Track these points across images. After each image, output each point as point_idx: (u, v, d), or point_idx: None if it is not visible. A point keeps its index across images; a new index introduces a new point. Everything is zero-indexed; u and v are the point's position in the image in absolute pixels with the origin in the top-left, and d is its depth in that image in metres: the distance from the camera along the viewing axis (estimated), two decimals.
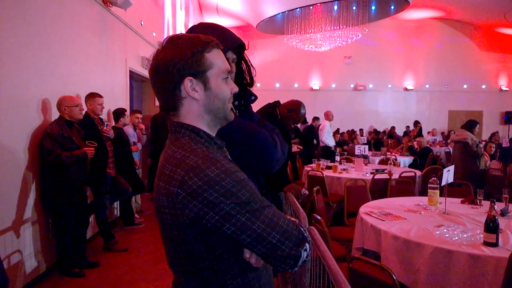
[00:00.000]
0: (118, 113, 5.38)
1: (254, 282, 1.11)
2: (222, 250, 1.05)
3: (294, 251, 1.01)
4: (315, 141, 9.58)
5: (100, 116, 4.53)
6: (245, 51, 1.67)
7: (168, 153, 1.08)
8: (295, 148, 7.98)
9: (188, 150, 1.04)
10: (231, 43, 1.58)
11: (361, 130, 15.32)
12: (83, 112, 4.10)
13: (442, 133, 15.10)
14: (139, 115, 5.81)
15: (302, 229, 1.05)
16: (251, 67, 1.72)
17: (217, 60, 1.10)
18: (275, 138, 1.64)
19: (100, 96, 4.41)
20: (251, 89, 1.80)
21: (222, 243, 1.04)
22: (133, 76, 6.89)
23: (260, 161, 1.55)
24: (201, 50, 1.07)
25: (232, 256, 1.06)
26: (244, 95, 1.74)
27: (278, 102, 3.48)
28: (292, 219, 1.08)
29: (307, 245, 1.03)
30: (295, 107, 3.46)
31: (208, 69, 1.08)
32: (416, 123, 13.73)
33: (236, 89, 1.16)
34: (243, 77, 1.70)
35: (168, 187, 1.01)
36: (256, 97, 1.80)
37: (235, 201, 0.97)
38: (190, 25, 8.11)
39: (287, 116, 3.43)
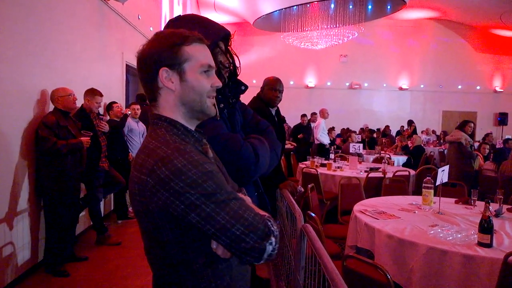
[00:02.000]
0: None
1: (224, 273, 1.12)
2: (191, 239, 1.07)
3: (258, 244, 1.02)
4: (299, 136, 9.62)
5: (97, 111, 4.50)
6: (235, 44, 1.65)
7: (144, 144, 1.12)
8: (288, 145, 8.01)
9: (161, 141, 1.07)
10: (215, 35, 1.56)
11: (361, 129, 15.30)
12: (77, 102, 4.04)
13: (433, 131, 15.10)
14: (135, 106, 5.76)
15: (269, 223, 1.06)
16: (235, 56, 1.69)
17: (197, 54, 1.12)
18: (261, 149, 1.59)
19: (101, 95, 4.38)
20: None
21: (191, 232, 1.05)
22: (130, 70, 6.83)
23: (240, 177, 1.50)
24: (179, 43, 1.10)
25: (201, 246, 1.08)
26: (234, 85, 1.71)
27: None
28: (262, 213, 1.09)
29: (273, 238, 1.04)
30: (274, 83, 3.23)
31: (185, 62, 1.10)
32: (410, 122, 13.75)
33: (218, 83, 1.16)
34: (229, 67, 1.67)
35: (139, 176, 1.04)
36: (246, 87, 1.77)
37: (200, 192, 0.99)
38: None
39: (275, 97, 3.22)
